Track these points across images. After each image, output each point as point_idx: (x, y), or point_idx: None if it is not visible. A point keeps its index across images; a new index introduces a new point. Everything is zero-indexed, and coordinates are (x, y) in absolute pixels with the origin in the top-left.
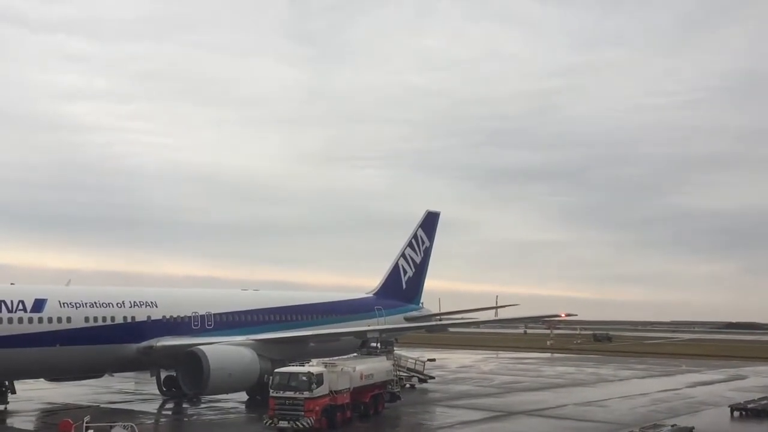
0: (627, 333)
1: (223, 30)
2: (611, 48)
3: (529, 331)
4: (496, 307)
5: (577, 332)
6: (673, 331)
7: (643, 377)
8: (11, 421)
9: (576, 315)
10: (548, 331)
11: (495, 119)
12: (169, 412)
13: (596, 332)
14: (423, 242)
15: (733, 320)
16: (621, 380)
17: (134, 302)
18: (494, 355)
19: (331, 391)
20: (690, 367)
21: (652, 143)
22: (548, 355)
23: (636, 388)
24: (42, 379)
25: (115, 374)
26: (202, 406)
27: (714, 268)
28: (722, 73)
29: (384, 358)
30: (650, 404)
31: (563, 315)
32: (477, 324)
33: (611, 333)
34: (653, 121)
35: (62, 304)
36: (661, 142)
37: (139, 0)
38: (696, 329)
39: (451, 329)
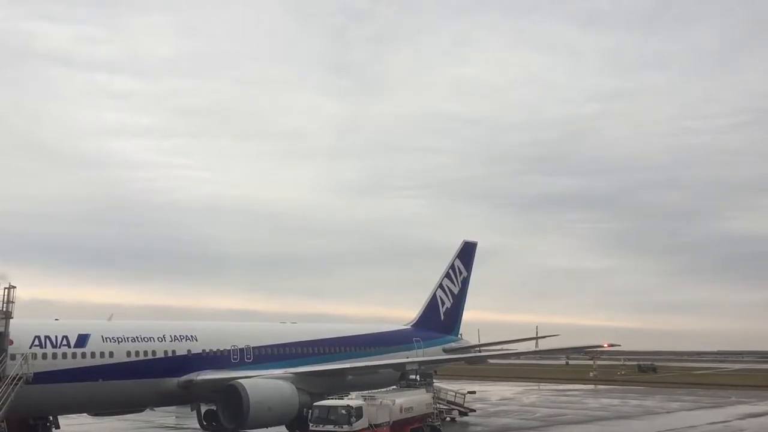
0: (673, 363)
1: (263, 64)
2: (651, 71)
3: (571, 362)
4: (537, 338)
5: (621, 363)
6: (721, 361)
7: (692, 409)
8: None
9: (619, 345)
10: (591, 362)
11: (533, 146)
12: None
13: (641, 363)
14: (460, 272)
15: None
16: (668, 412)
17: (175, 336)
18: (536, 387)
19: (370, 425)
20: (740, 399)
21: (694, 167)
22: (591, 386)
23: (684, 420)
24: (85, 414)
25: (156, 409)
26: None
27: (761, 295)
28: (766, 94)
29: (423, 390)
30: None
31: (606, 345)
32: (517, 355)
33: (656, 363)
34: (695, 145)
35: (105, 339)
36: (704, 166)
37: (180, 37)
38: (745, 359)
39: (491, 361)
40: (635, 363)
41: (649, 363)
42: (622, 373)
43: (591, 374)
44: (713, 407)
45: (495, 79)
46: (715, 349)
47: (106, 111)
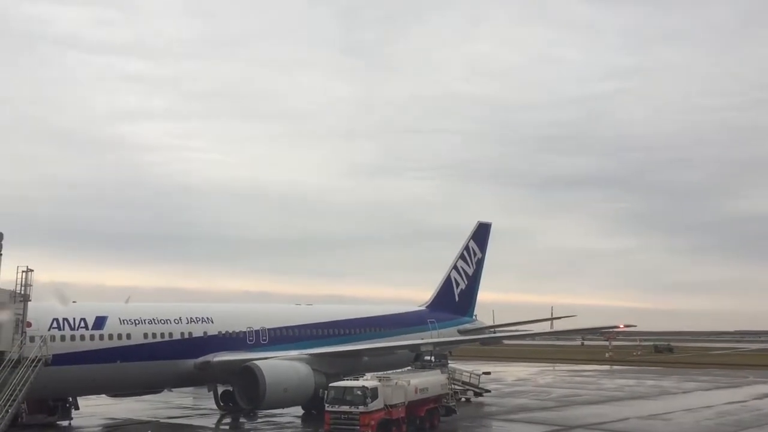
0: (689, 344)
1: (275, 45)
2: (667, 48)
3: (586, 342)
4: (552, 319)
5: (637, 343)
6: (738, 341)
7: (708, 389)
8: None
9: (635, 326)
10: (606, 343)
11: (548, 126)
12: (227, 427)
13: (657, 343)
14: (475, 254)
15: None
16: (684, 392)
17: (191, 318)
18: (551, 368)
19: (386, 405)
20: (757, 378)
21: (711, 145)
22: (607, 367)
23: (700, 400)
24: (104, 395)
25: (173, 390)
26: (259, 420)
27: None
28: None
29: (438, 371)
30: (716, 417)
31: (622, 326)
32: (532, 336)
33: (673, 344)
34: (712, 123)
35: (122, 321)
36: (721, 144)
37: (193, 19)
38: (763, 339)
39: (506, 342)
40: (651, 343)
41: (666, 343)
42: (638, 353)
43: (606, 355)
44: (730, 387)
45: (509, 58)
46: (732, 329)
47: (120, 94)
